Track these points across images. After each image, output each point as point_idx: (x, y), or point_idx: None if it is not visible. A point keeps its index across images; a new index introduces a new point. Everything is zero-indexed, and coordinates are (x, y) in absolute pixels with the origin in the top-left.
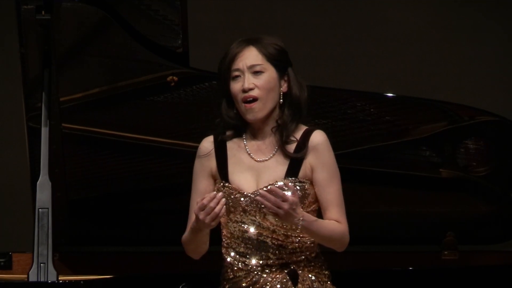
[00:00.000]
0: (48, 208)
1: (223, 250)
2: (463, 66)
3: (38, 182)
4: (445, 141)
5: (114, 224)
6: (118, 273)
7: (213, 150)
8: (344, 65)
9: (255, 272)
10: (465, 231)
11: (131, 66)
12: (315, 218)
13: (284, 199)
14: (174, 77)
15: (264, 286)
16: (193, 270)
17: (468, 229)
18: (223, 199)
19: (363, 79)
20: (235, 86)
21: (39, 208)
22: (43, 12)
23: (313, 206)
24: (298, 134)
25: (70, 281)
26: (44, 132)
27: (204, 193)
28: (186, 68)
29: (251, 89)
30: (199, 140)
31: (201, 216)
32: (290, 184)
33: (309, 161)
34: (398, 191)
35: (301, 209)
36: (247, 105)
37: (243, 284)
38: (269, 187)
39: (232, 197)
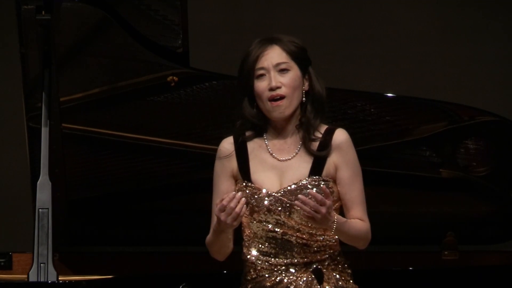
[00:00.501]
0: (48, 208)
1: (245, 250)
2: (463, 66)
3: (38, 182)
4: (445, 141)
5: (114, 224)
6: (118, 273)
7: (234, 151)
8: (344, 65)
9: (279, 272)
10: (465, 231)
11: (131, 66)
12: (345, 219)
13: (322, 203)
14: (174, 77)
15: (288, 286)
16: (193, 270)
17: (468, 229)
18: (243, 199)
19: (363, 79)
20: (261, 85)
21: (39, 208)
22: (43, 12)
23: (337, 204)
24: (320, 133)
25: (71, 281)
26: (44, 132)
27: (225, 194)
28: (186, 68)
29: (278, 87)
30: (199, 140)
31: (222, 217)
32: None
33: (333, 159)
34: (398, 191)
35: (334, 212)
36: (274, 103)
37: (267, 284)
38: (308, 191)
39: (256, 196)
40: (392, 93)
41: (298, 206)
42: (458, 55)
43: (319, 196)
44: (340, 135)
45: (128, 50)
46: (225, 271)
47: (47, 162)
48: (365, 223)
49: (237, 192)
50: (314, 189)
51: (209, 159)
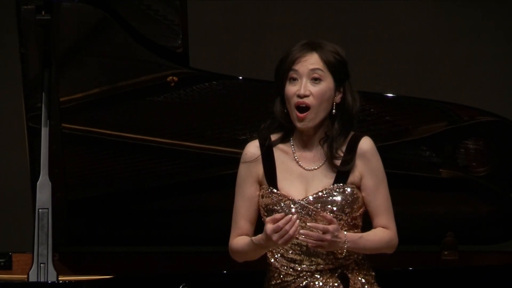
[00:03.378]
0: (48, 208)
1: (269, 255)
2: (463, 66)
3: (38, 182)
4: (445, 141)
5: (114, 224)
6: (118, 273)
7: (260, 156)
8: None
9: (305, 278)
10: (465, 231)
11: (131, 66)
12: (359, 234)
13: (325, 231)
14: (174, 77)
15: None
16: (193, 270)
17: (468, 229)
18: (297, 221)
19: (363, 79)
20: (291, 89)
21: (39, 208)
22: (43, 12)
23: (361, 210)
24: (345, 141)
25: (71, 281)
26: (44, 132)
27: (251, 198)
28: (186, 68)
29: (306, 96)
30: (198, 140)
31: (274, 237)
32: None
33: (358, 168)
34: (398, 191)
35: (343, 232)
36: (299, 114)
37: None
38: (308, 225)
39: (282, 204)
40: (392, 93)
41: (303, 240)
42: (458, 55)
43: (320, 226)
44: (365, 144)
45: (128, 50)
46: (225, 271)
47: (47, 162)
48: (389, 230)
49: (293, 214)
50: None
51: (209, 159)
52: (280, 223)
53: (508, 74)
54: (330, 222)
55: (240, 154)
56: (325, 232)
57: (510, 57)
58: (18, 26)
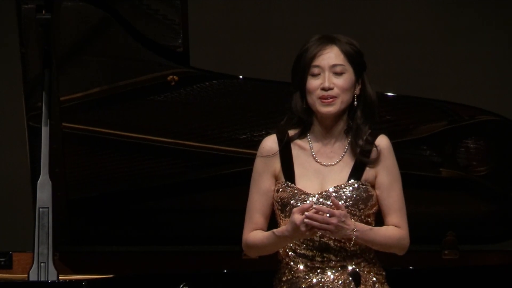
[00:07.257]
0: (48, 208)
1: (281, 251)
2: (463, 66)
3: (38, 182)
4: (445, 140)
5: (114, 223)
6: (118, 273)
7: (278, 151)
8: None
9: (316, 274)
10: (465, 231)
11: (131, 65)
12: (370, 227)
13: (331, 214)
14: (175, 77)
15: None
16: (193, 270)
17: (468, 229)
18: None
19: None
20: (314, 83)
21: (39, 208)
22: (43, 12)
23: (375, 208)
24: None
25: (71, 280)
26: (45, 131)
27: (267, 193)
28: (186, 67)
29: (330, 89)
30: (199, 140)
31: (304, 228)
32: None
33: (374, 165)
34: None
35: (353, 221)
36: (324, 100)
37: (303, 286)
38: (314, 206)
39: (297, 197)
40: (392, 93)
41: (308, 224)
42: (458, 55)
43: (325, 209)
44: (382, 141)
45: (128, 50)
46: (225, 271)
47: (47, 162)
48: (400, 229)
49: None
50: (328, 202)
51: (209, 158)
52: (311, 213)
53: (508, 74)
54: (337, 207)
55: (240, 153)
56: (331, 215)
57: (510, 57)
58: (18, 26)
